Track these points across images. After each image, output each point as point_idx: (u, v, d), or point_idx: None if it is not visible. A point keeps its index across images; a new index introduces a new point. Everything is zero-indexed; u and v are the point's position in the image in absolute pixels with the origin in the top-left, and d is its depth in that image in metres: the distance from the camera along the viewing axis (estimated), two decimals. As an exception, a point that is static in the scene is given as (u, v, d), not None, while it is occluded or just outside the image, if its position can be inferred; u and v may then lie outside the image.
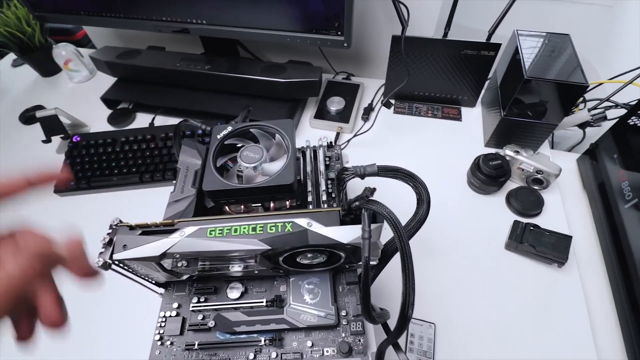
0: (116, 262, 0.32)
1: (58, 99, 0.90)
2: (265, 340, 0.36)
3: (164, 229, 0.33)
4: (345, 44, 0.61)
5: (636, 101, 0.55)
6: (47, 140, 0.75)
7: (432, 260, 0.55)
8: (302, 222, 0.31)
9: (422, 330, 0.48)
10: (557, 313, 0.50)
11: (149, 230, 0.33)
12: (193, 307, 0.38)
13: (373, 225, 0.30)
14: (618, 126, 0.60)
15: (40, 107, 0.87)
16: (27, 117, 0.86)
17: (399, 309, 0.28)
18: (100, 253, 0.32)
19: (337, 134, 0.73)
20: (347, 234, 0.30)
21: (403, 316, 0.27)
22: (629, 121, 0.57)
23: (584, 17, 1.00)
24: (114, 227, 0.33)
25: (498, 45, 0.64)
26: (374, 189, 0.28)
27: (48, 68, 0.96)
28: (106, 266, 0.32)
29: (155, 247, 0.31)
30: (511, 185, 0.63)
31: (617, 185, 0.57)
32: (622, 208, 0.55)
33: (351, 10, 0.57)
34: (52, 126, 0.75)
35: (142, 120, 0.82)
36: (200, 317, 0.38)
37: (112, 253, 0.32)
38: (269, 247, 0.31)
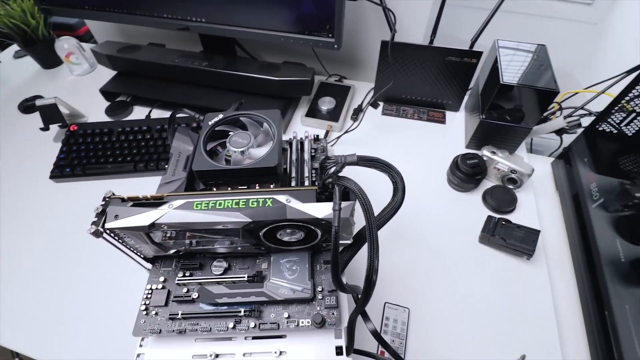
0: (107, 231, 0.35)
1: (58, 90, 0.93)
2: (244, 312, 0.38)
3: (154, 201, 0.36)
4: (336, 46, 0.65)
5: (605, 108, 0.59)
6: (45, 128, 0.78)
7: (410, 250, 0.58)
8: (282, 198, 0.34)
9: (396, 314, 0.51)
10: (524, 302, 0.53)
11: (140, 203, 0.36)
12: (178, 280, 0.41)
13: (344, 203, 0.32)
14: (589, 131, 0.64)
15: (39, 97, 0.89)
16: (26, 107, 0.88)
17: (365, 275, 0.30)
18: (93, 222, 0.34)
19: (327, 132, 0.77)
20: (322, 209, 0.33)
21: (368, 281, 0.29)
22: (597, 127, 0.61)
23: (569, 32, 1.06)
24: (107, 198, 0.36)
25: (480, 53, 0.68)
26: (343, 165, 0.31)
27: (49, 60, 0.99)
28: (98, 234, 0.34)
29: (144, 217, 0.34)
30: (488, 184, 0.66)
31: (587, 187, 0.61)
32: (590, 207, 0.58)
33: (341, 13, 0.61)
34: (50, 115, 0.77)
35: (139, 113, 0.85)
36: (184, 290, 0.40)
37: (104, 222, 0.34)
38: (250, 220, 0.33)
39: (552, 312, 0.52)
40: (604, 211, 0.56)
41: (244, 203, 0.34)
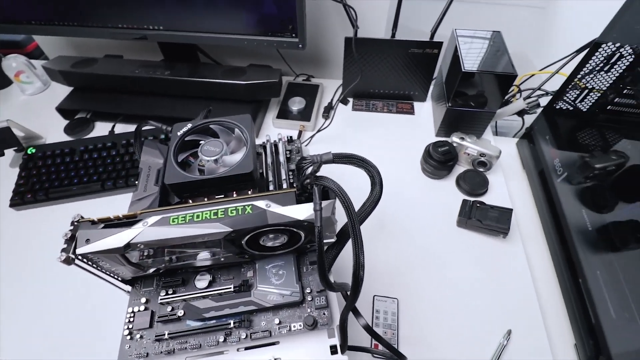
0: (79, 257, 0.33)
1: (9, 112, 0.87)
2: (234, 323, 0.37)
3: (127, 221, 0.34)
4: (300, 45, 0.64)
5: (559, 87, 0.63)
6: (0, 155, 0.73)
7: (392, 242, 0.59)
8: (261, 203, 0.34)
9: (386, 305, 0.52)
10: (505, 279, 0.55)
11: (112, 223, 0.34)
12: (161, 299, 0.39)
13: (325, 202, 0.32)
14: (547, 111, 0.67)
15: (-11, 122, 0.83)
16: (-25, 133, 0.82)
17: (352, 272, 0.30)
18: (63, 249, 0.32)
19: (300, 132, 0.76)
20: (303, 211, 0.33)
21: (356, 278, 0.30)
22: (555, 105, 0.64)
23: (520, 17, 1.11)
24: (75, 222, 0.34)
25: (440, 44, 0.70)
26: (320, 164, 0.31)
27: (-4, 81, 0.92)
28: (69, 261, 0.32)
29: (118, 238, 0.32)
30: (460, 169, 0.68)
31: (551, 163, 0.64)
32: (555, 182, 0.62)
33: (303, 13, 0.61)
34: (4, 139, 0.72)
35: (101, 129, 0.81)
36: (169, 308, 0.39)
37: (74, 248, 0.32)
38: (231, 229, 0.33)
39: (531, 285, 0.54)
40: (569, 184, 0.59)
41: (222, 213, 0.33)
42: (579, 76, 0.59)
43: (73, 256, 0.32)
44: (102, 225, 0.34)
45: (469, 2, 1.10)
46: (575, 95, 0.62)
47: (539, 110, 0.77)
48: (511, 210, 0.58)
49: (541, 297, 0.54)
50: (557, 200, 0.60)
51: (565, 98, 0.63)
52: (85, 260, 0.34)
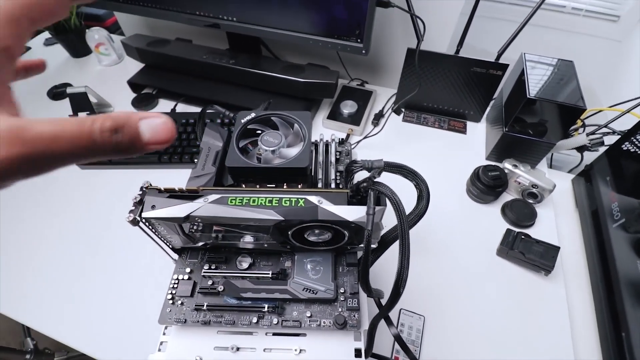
0: (144, 220, 0.36)
1: (86, 79, 0.95)
2: (268, 308, 0.39)
3: (189, 194, 0.37)
4: (364, 51, 0.65)
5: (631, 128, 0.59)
6: (74, 116, 0.80)
7: (428, 259, 0.59)
8: (314, 199, 0.35)
9: (412, 321, 0.51)
10: (540, 318, 0.53)
11: (176, 195, 0.37)
12: (204, 272, 0.42)
13: (377, 208, 0.33)
14: (612, 150, 0.63)
15: (68, 85, 0.91)
16: (55, 93, 0.91)
17: (392, 285, 0.31)
18: (131, 210, 0.36)
19: (348, 135, 0.77)
20: (353, 213, 0.34)
21: (396, 291, 0.30)
22: (622, 146, 0.61)
23: (593, 48, 1.05)
24: (144, 189, 0.37)
25: (506, 66, 0.68)
26: (381, 171, 0.32)
27: (79, 49, 1.02)
28: (135, 222, 0.35)
29: (181, 209, 0.35)
30: (507, 197, 0.66)
31: (608, 206, 0.60)
32: (610, 227, 0.58)
33: (372, 20, 0.62)
34: (80, 103, 0.79)
35: (164, 106, 0.87)
36: (210, 282, 0.41)
37: (141, 211, 0.35)
38: (282, 218, 0.34)
39: (568, 329, 0.52)
40: (625, 232, 0.56)
41: (277, 201, 0.35)
42: (656, 119, 0.55)
43: (139, 218, 0.35)
44: (168, 194, 0.37)
45: (538, 27, 1.06)
46: (647, 139, 0.58)
47: (601, 148, 0.73)
48: (558, 248, 0.55)
49: (577, 343, 0.51)
50: (609, 246, 0.57)
51: (634, 140, 0.60)
52: (147, 224, 0.37)
